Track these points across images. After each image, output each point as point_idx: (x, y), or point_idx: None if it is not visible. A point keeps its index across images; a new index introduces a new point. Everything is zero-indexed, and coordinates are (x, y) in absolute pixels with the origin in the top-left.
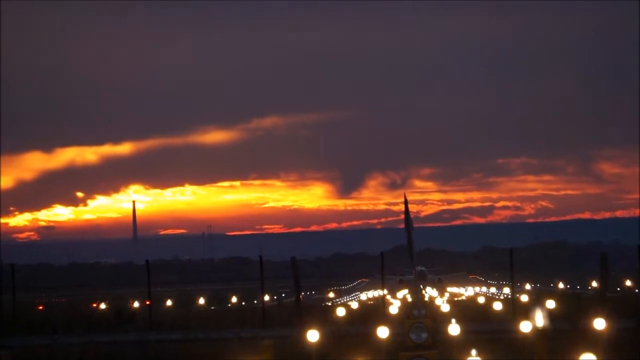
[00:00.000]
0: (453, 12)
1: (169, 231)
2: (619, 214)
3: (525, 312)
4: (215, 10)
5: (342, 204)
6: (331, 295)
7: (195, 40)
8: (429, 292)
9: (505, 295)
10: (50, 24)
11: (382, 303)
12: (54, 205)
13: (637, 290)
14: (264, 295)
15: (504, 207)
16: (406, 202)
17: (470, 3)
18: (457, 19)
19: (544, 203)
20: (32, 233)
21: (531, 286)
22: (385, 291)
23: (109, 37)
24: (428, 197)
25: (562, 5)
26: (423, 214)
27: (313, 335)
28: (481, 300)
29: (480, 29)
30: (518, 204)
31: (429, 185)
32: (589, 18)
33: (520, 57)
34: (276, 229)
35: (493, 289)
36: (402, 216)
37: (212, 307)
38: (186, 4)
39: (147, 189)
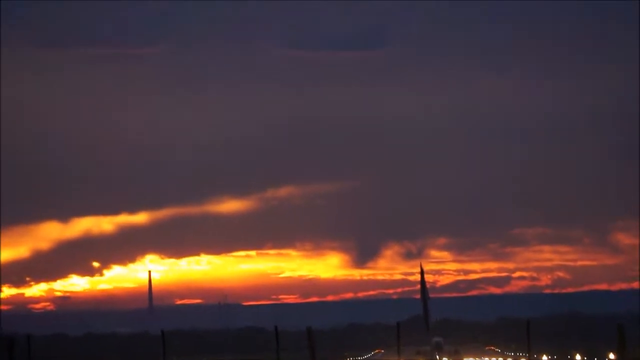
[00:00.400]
0: (462, 79)
1: (185, 301)
2: (635, 285)
3: None
4: (226, 79)
5: (358, 274)
6: None
7: (208, 108)
8: None
9: None
10: (62, 90)
11: None
12: (69, 275)
13: None
14: None
15: (521, 278)
16: (422, 272)
17: (482, 69)
18: (468, 86)
19: (560, 274)
20: (47, 303)
21: (548, 357)
22: None
23: (124, 104)
24: (444, 267)
25: (578, 71)
26: (439, 284)
27: None
28: None
29: (495, 96)
30: (534, 275)
31: (445, 255)
32: (607, 84)
33: (533, 126)
34: (292, 298)
35: None
36: (418, 286)
37: None
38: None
39: (162, 258)
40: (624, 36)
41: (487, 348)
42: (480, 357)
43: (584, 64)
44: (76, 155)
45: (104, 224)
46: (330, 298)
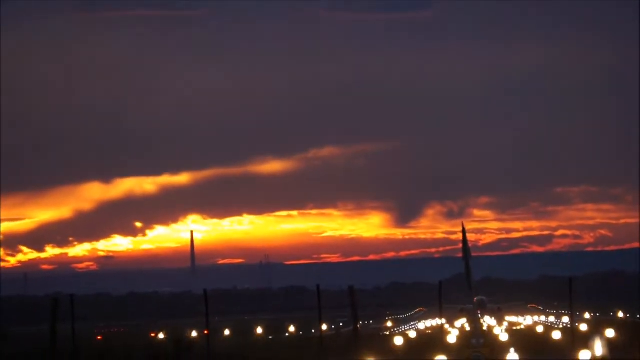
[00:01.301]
0: (511, 43)
1: (227, 261)
2: None
3: (585, 341)
4: (275, 41)
5: (400, 233)
6: (389, 324)
7: (251, 72)
8: (488, 321)
9: (564, 325)
10: (108, 58)
11: (440, 332)
12: (112, 236)
13: None
14: (321, 325)
15: (563, 236)
16: (464, 231)
17: (531, 35)
18: (515, 51)
19: (603, 232)
20: (91, 263)
21: (590, 315)
22: (444, 320)
23: (167, 70)
24: (486, 226)
25: (619, 36)
26: (481, 242)
27: None
28: (540, 329)
29: (539, 61)
30: (577, 233)
31: (487, 214)
32: None
33: (579, 88)
34: (334, 258)
35: (552, 318)
36: (460, 245)
37: (271, 337)
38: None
39: (205, 218)
40: None
41: (529, 306)
42: (522, 315)
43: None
44: (118, 117)
45: (147, 184)
46: (372, 257)
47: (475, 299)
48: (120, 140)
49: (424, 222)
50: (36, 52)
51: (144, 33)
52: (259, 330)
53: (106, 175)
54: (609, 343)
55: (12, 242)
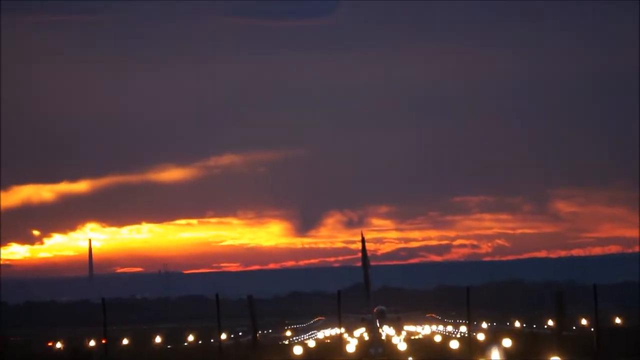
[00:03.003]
0: (408, 51)
1: (126, 269)
2: (574, 252)
3: (482, 350)
4: (174, 46)
5: (299, 242)
6: (288, 333)
7: (153, 78)
8: (386, 330)
9: (462, 334)
10: (5, 62)
11: (339, 341)
12: (9, 244)
13: (592, 329)
14: (220, 334)
15: (461, 246)
16: (363, 241)
17: (423, 42)
18: (412, 59)
19: (500, 241)
20: None
21: (488, 325)
22: (343, 329)
23: (64, 73)
24: (385, 236)
25: (506, 48)
26: (380, 252)
27: None
28: (438, 338)
29: (439, 70)
30: (475, 242)
31: (386, 223)
32: (545, 61)
33: (476, 98)
34: (233, 267)
35: (450, 328)
36: (360, 254)
37: (169, 346)
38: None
39: (103, 227)
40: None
41: (427, 315)
42: (420, 324)
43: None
44: (16, 122)
45: (45, 192)
46: (271, 266)
47: (376, 308)
48: (18, 147)
49: (324, 231)
50: None
51: (42, 37)
52: (158, 339)
53: (3, 183)
54: (506, 352)
55: None
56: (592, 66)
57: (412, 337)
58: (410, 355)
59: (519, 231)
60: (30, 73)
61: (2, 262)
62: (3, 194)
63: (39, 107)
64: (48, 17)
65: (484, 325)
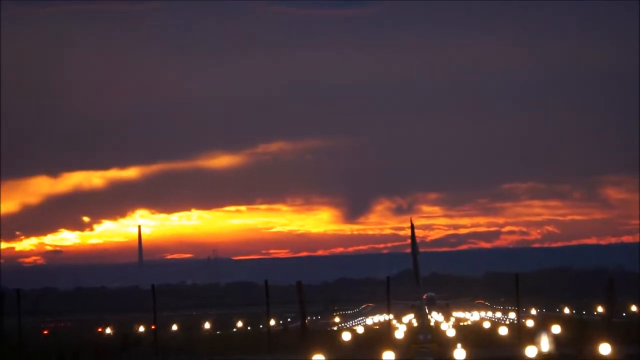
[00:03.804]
0: (457, 41)
1: (175, 256)
2: (625, 239)
3: (531, 337)
4: (224, 35)
5: (348, 229)
6: (337, 320)
7: (202, 65)
8: (435, 316)
9: (511, 320)
10: (52, 49)
11: (387, 328)
12: (60, 230)
13: None
14: (269, 320)
15: (510, 232)
16: (412, 227)
17: (471, 32)
18: (462, 49)
19: (550, 228)
20: (38, 257)
21: (537, 311)
22: (391, 316)
23: (115, 62)
24: (434, 222)
25: (562, 35)
26: (429, 238)
27: None
28: (487, 325)
29: (486, 58)
30: (524, 229)
31: (435, 210)
32: (594, 46)
33: (527, 84)
34: (282, 253)
35: (499, 314)
36: (409, 241)
37: (218, 332)
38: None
39: (153, 213)
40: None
41: (476, 302)
42: (469, 311)
43: (577, 25)
44: (67, 110)
45: (95, 178)
46: (320, 253)
47: (425, 295)
48: (68, 134)
49: (373, 218)
50: None
51: (90, 25)
52: (207, 325)
53: (53, 169)
54: (555, 339)
55: None
56: None
57: (461, 324)
58: (458, 342)
59: (569, 218)
60: (80, 59)
61: (53, 249)
62: (53, 181)
63: (89, 93)
64: (94, 4)
65: (533, 311)
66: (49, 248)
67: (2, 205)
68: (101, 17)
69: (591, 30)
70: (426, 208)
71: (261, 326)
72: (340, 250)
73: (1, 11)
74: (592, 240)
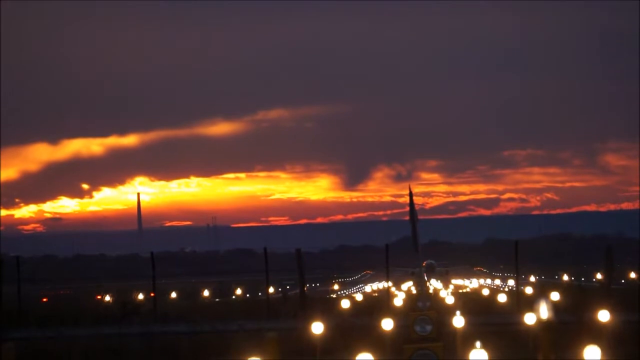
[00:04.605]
0: (455, 8)
1: (174, 223)
2: (624, 206)
3: (530, 304)
4: (221, 3)
5: (347, 196)
6: (336, 287)
7: (201, 31)
8: (434, 284)
9: (510, 288)
10: (52, 16)
11: (386, 295)
12: (59, 197)
13: None
14: (268, 287)
15: (510, 199)
16: (411, 194)
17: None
18: (459, 14)
19: (549, 195)
20: (37, 225)
21: (536, 278)
22: (390, 283)
23: (112, 28)
24: (434, 189)
25: (564, 3)
26: (428, 205)
27: (318, 328)
28: (486, 292)
29: (483, 24)
30: (524, 196)
31: (435, 177)
32: (593, 12)
33: (525, 51)
34: (281, 221)
35: (498, 281)
36: (408, 208)
37: (217, 299)
38: None
39: (152, 180)
40: None
41: (475, 269)
42: (468, 278)
43: None
44: (65, 78)
45: (94, 146)
46: (319, 220)
47: (425, 262)
48: (67, 101)
49: (372, 185)
50: None
51: None
52: (206, 292)
53: (53, 136)
54: (554, 306)
55: None
56: None
57: (460, 291)
58: (457, 309)
59: (568, 184)
60: (78, 28)
61: (52, 216)
62: (52, 148)
63: (87, 61)
64: None
65: (532, 279)
66: (48, 215)
67: (1, 173)
68: None
69: None
70: (425, 175)
71: (260, 294)
72: (339, 217)
73: None
74: (592, 207)
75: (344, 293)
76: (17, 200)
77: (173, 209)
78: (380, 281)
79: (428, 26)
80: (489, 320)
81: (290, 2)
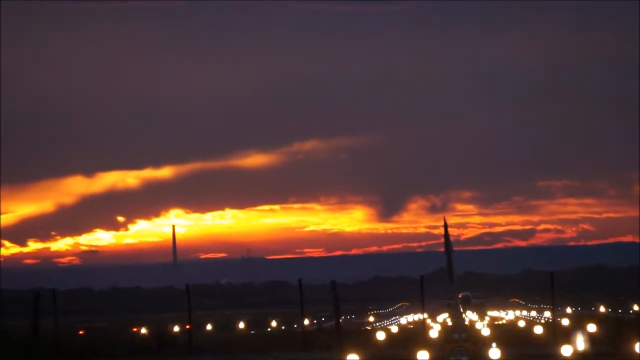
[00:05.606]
0: (492, 35)
1: (209, 255)
2: None
3: (566, 335)
4: (258, 32)
5: (382, 228)
6: (371, 319)
7: (236, 62)
8: (469, 315)
9: (546, 319)
10: (89, 50)
11: (422, 327)
12: (95, 230)
13: None
14: (303, 319)
15: (545, 230)
16: (446, 226)
17: (508, 26)
18: (495, 42)
19: (585, 226)
20: (73, 257)
21: (572, 310)
22: (426, 315)
23: (150, 60)
24: (469, 220)
25: (605, 32)
26: (463, 237)
27: (353, 359)
28: (522, 324)
29: (519, 52)
30: (559, 227)
31: (470, 208)
32: (627, 41)
33: (561, 81)
34: (316, 252)
35: (534, 313)
36: (443, 239)
37: (252, 331)
38: (227, 23)
39: (187, 213)
40: None
41: (511, 300)
42: (504, 310)
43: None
44: (101, 110)
45: (129, 178)
46: (354, 252)
47: (461, 294)
48: (103, 134)
49: (407, 216)
50: (16, 44)
51: (127, 25)
52: (241, 324)
53: (88, 169)
54: (591, 337)
55: None
56: None
57: (496, 323)
58: (493, 341)
59: (604, 215)
60: (113, 59)
61: (88, 249)
62: (88, 181)
63: (123, 92)
64: (129, 1)
65: (569, 310)
66: (84, 248)
67: (38, 206)
68: (135, 16)
69: (626, 22)
70: (460, 206)
71: (295, 325)
72: (374, 249)
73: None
74: (627, 238)
75: (380, 325)
76: (53, 233)
77: (208, 241)
78: (415, 313)
79: (458, 56)
80: (525, 351)
81: (321, 33)
